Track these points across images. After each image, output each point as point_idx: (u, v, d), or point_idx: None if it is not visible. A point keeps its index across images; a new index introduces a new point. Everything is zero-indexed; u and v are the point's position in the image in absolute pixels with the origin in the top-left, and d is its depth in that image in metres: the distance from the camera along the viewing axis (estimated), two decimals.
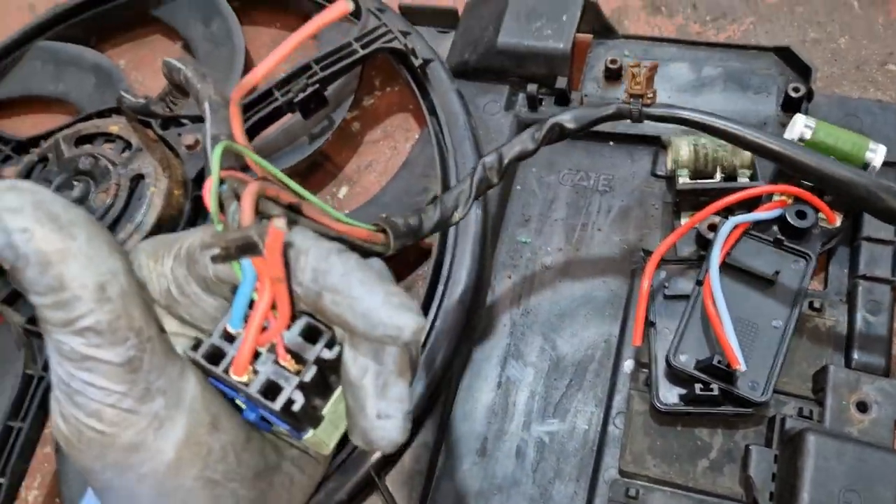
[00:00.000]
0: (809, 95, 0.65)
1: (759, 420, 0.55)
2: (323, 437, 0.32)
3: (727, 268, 0.57)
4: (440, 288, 0.59)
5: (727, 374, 0.52)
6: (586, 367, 0.59)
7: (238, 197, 0.29)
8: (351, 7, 0.34)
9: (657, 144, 0.66)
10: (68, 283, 0.26)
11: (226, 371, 0.29)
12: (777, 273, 0.56)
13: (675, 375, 0.55)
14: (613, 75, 0.71)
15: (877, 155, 0.56)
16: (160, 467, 0.28)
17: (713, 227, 0.59)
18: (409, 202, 0.66)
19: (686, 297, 0.57)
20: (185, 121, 0.69)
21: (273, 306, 0.29)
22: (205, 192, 0.29)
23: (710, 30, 0.76)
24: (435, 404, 0.58)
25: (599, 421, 0.57)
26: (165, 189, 0.65)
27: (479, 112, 0.70)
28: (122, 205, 0.64)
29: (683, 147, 0.61)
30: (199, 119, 0.65)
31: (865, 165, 0.56)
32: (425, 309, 0.59)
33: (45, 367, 0.62)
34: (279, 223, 0.27)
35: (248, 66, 0.80)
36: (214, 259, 0.28)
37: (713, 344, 0.54)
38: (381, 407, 0.30)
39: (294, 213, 0.30)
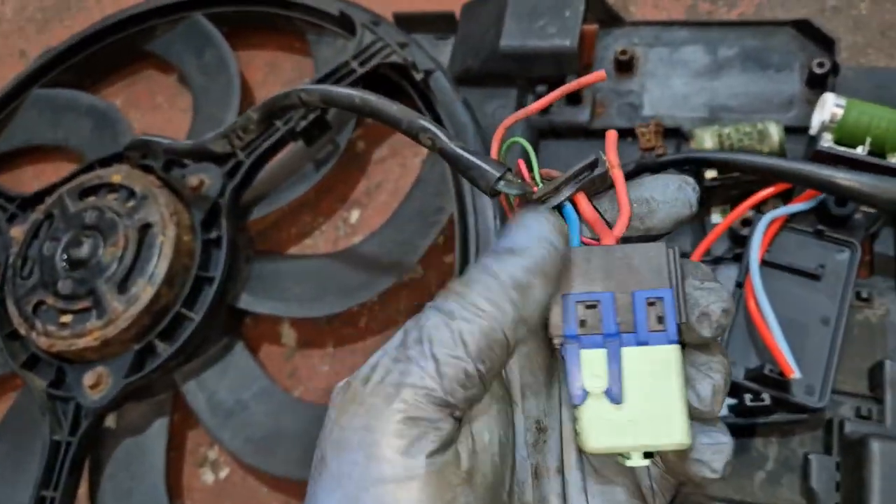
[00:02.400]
0: (835, 69, 0.61)
1: (816, 425, 0.52)
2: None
3: (767, 266, 0.54)
4: None
5: (781, 383, 0.50)
6: None
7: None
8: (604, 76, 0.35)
9: (679, 137, 0.63)
10: None
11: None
12: (821, 266, 0.53)
13: None
14: (625, 66, 0.67)
15: None
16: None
17: (748, 223, 0.55)
18: (425, 223, 0.64)
19: None
20: (187, 161, 0.67)
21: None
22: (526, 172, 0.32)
23: (722, 8, 0.72)
24: None
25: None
26: (174, 236, 0.63)
27: (488, 119, 0.67)
28: (132, 257, 0.62)
29: (707, 139, 0.58)
30: (194, 153, 0.63)
31: None
32: None
33: (72, 432, 0.61)
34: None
35: (244, 93, 0.77)
36: (543, 203, 0.30)
37: (761, 350, 0.51)
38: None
39: None
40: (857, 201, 0.50)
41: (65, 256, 0.64)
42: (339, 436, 0.27)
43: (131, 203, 0.65)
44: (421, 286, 0.67)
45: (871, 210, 0.54)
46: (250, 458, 0.61)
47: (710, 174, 0.58)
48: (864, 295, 0.54)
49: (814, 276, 0.53)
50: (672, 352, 0.28)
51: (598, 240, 0.29)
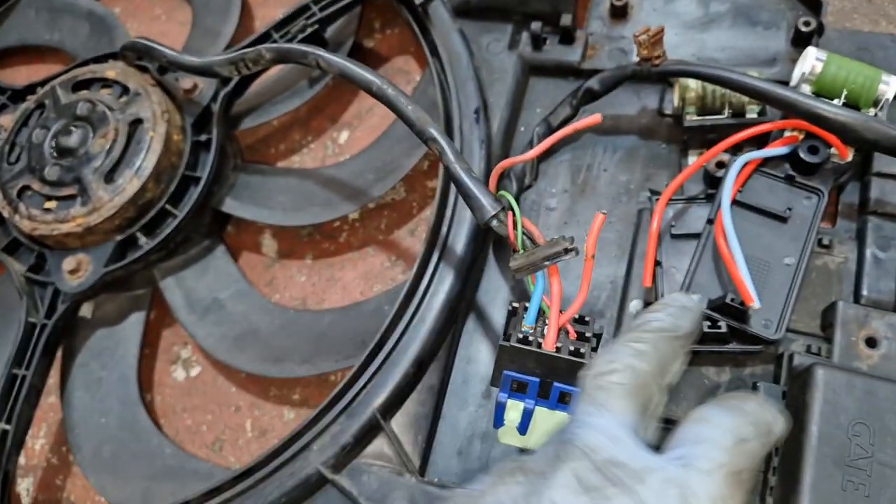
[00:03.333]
0: (820, 30, 0.63)
1: (768, 358, 0.54)
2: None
3: (738, 205, 0.56)
4: (444, 229, 0.58)
5: (740, 313, 0.52)
6: (592, 308, 0.59)
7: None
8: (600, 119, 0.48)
9: (664, 82, 0.65)
10: None
11: (538, 346, 0.40)
12: (789, 210, 0.55)
13: None
14: (619, 13, 0.69)
15: (890, 87, 0.55)
16: None
17: (722, 165, 0.57)
18: (410, 145, 0.65)
19: (694, 236, 0.56)
20: None
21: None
22: (510, 229, 0.44)
23: None
24: (440, 347, 0.58)
25: None
26: (164, 133, 0.64)
27: (481, 52, 0.69)
28: (120, 149, 0.63)
29: (691, 84, 0.60)
30: (199, 71, 0.64)
31: (877, 100, 0.55)
32: (430, 248, 0.58)
33: (48, 315, 0.62)
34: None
35: (244, 9, 0.78)
36: (519, 273, 0.42)
37: (725, 282, 0.53)
38: None
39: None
40: (838, 134, 0.52)
41: (53, 144, 0.64)
42: None
43: (124, 98, 0.66)
44: (402, 207, 0.69)
45: (841, 161, 0.56)
46: (223, 354, 0.62)
47: (691, 116, 0.60)
48: (826, 242, 0.56)
49: (781, 219, 0.55)
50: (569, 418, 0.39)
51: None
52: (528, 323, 0.42)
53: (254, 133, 0.74)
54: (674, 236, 0.57)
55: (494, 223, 0.44)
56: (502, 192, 0.46)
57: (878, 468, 0.46)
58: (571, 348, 0.41)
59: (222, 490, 0.55)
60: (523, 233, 0.43)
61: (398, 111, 0.48)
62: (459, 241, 0.58)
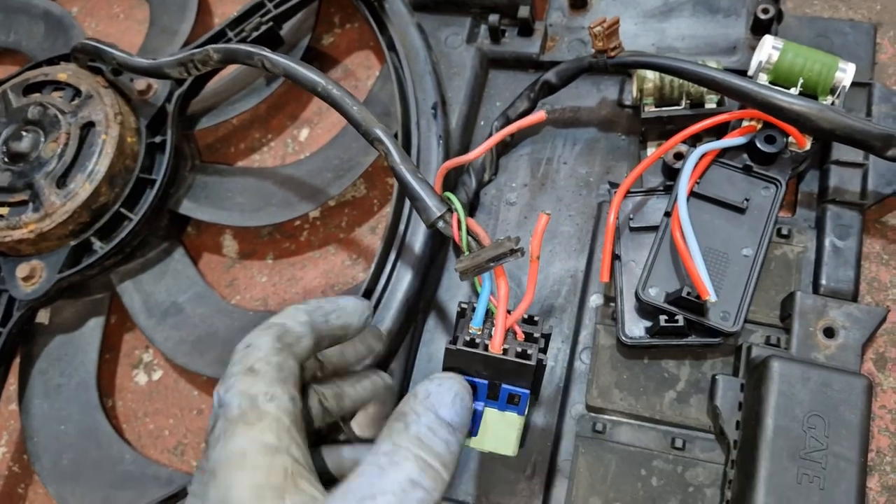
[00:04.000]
0: (779, 17, 0.63)
1: (727, 350, 0.54)
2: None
3: (696, 197, 0.55)
4: (401, 227, 0.58)
5: (698, 306, 0.51)
6: (552, 303, 0.58)
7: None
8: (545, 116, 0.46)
9: (623, 73, 0.64)
10: None
11: (485, 349, 0.40)
12: (747, 200, 0.55)
13: (643, 308, 0.54)
14: (579, 3, 0.68)
15: (846, 74, 0.54)
16: None
17: (680, 156, 0.57)
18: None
19: (653, 228, 0.56)
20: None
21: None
22: (455, 230, 0.44)
23: None
24: (399, 346, 0.57)
25: (566, 357, 0.56)
26: (117, 136, 0.63)
27: (440, 46, 0.68)
28: (72, 153, 0.62)
29: (649, 75, 0.59)
30: (149, 72, 0.63)
31: (834, 87, 0.54)
32: (387, 247, 0.57)
33: (3, 322, 0.61)
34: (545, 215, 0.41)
35: (202, 7, 0.77)
36: (465, 276, 0.41)
37: (683, 276, 0.53)
38: None
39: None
40: (794, 123, 0.52)
41: (4, 149, 0.63)
42: None
43: (76, 101, 0.65)
44: (363, 204, 0.68)
45: (799, 150, 0.56)
46: (182, 358, 0.61)
47: (649, 107, 0.59)
48: (785, 232, 0.56)
49: (739, 210, 0.55)
50: (518, 419, 0.42)
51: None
52: (475, 325, 0.41)
53: (213, 132, 0.73)
54: (633, 229, 0.57)
55: (440, 224, 0.44)
56: (447, 194, 0.45)
57: (833, 460, 0.45)
58: (518, 350, 0.40)
59: (180, 496, 0.55)
60: (468, 234, 0.43)
61: (344, 112, 0.48)
62: (417, 239, 0.57)
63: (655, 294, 0.53)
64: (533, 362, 0.40)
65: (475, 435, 0.42)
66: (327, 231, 0.68)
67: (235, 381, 0.35)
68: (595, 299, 0.57)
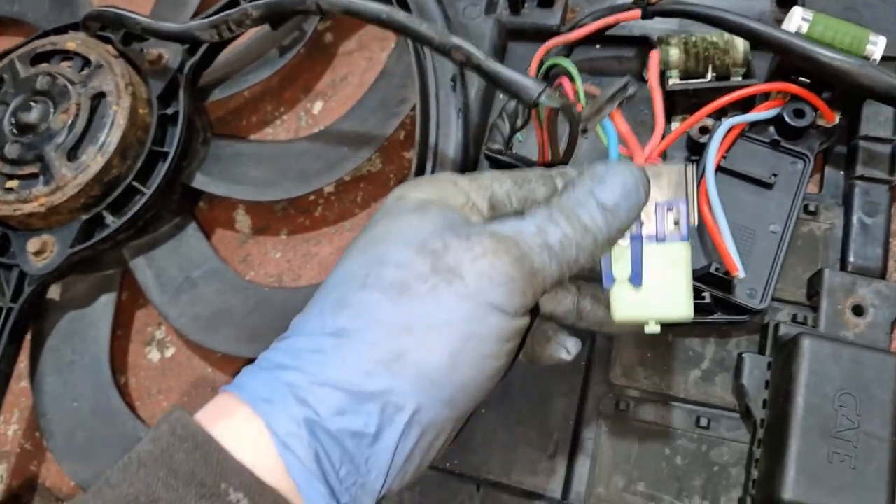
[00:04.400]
0: None
1: (753, 328, 0.53)
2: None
3: (722, 172, 0.54)
4: None
5: (725, 283, 0.50)
6: None
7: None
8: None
9: (646, 46, 0.63)
10: None
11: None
12: (774, 176, 0.54)
13: None
14: None
15: (877, 47, 0.53)
16: None
17: (706, 131, 0.56)
18: (386, 114, 0.63)
19: None
20: (146, 36, 0.65)
21: None
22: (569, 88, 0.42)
23: None
24: None
25: (588, 334, 0.56)
26: (129, 107, 0.61)
27: (458, 17, 0.66)
28: (83, 125, 0.61)
29: (673, 46, 0.58)
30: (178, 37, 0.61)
31: (866, 59, 0.53)
32: None
33: (14, 298, 0.60)
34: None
35: None
36: (589, 123, 0.38)
37: (710, 252, 0.52)
38: None
39: None
40: (833, 79, 0.51)
41: (13, 121, 0.62)
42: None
43: (85, 71, 0.63)
44: (379, 179, 0.67)
45: (827, 124, 0.55)
46: (196, 334, 0.61)
47: (673, 80, 0.58)
48: (812, 208, 0.55)
49: (766, 185, 0.54)
50: (684, 248, 0.36)
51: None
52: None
53: (224, 105, 0.72)
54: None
55: (543, 98, 0.42)
56: (554, 59, 0.43)
57: (865, 439, 0.45)
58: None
59: None
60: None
61: (414, 33, 0.46)
62: None
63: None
64: (682, 163, 0.38)
65: (639, 284, 0.37)
66: (342, 206, 0.66)
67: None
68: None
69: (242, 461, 0.29)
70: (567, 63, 0.42)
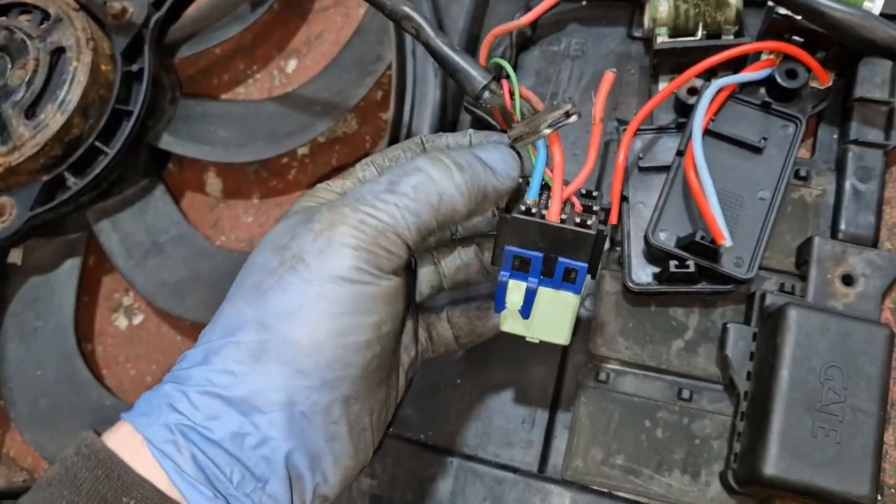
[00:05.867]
0: None
1: (739, 298, 0.51)
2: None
3: (710, 135, 0.52)
4: None
5: (711, 251, 0.48)
6: None
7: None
8: None
9: (634, 2, 0.60)
10: None
11: (542, 218, 0.37)
12: (764, 140, 0.52)
13: (651, 253, 0.51)
14: None
15: (875, 4, 0.50)
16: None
17: (694, 91, 0.53)
18: (361, 72, 0.60)
19: (664, 168, 0.53)
20: None
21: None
22: (507, 96, 0.39)
23: None
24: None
25: None
26: (90, 63, 0.58)
27: None
28: (42, 81, 0.58)
29: (662, 3, 0.55)
30: None
31: None
32: None
33: None
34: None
35: None
36: (519, 143, 0.38)
37: (695, 219, 0.50)
38: None
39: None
40: (833, 31, 0.48)
41: None
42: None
43: (44, 25, 0.60)
44: (355, 141, 0.64)
45: (820, 86, 0.52)
46: (163, 301, 0.58)
47: (662, 38, 0.55)
48: (803, 173, 0.53)
49: (756, 149, 0.52)
50: (574, 299, 0.39)
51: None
52: (530, 196, 0.38)
53: (194, 63, 0.69)
54: (642, 169, 0.54)
55: (486, 95, 0.39)
56: (497, 59, 0.41)
57: (851, 413, 0.43)
58: (577, 220, 0.37)
59: None
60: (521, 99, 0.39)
61: None
62: None
63: (665, 238, 0.50)
64: (593, 231, 0.37)
65: (526, 316, 0.40)
66: (317, 169, 0.64)
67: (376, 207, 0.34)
68: (607, 237, 0.54)
69: (143, 475, 0.29)
70: (505, 64, 0.40)
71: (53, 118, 0.57)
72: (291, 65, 0.68)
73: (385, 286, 0.33)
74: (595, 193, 0.40)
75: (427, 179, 0.34)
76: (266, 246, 0.34)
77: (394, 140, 0.55)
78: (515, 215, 0.37)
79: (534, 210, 0.37)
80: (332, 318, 0.32)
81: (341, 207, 0.33)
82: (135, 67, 0.61)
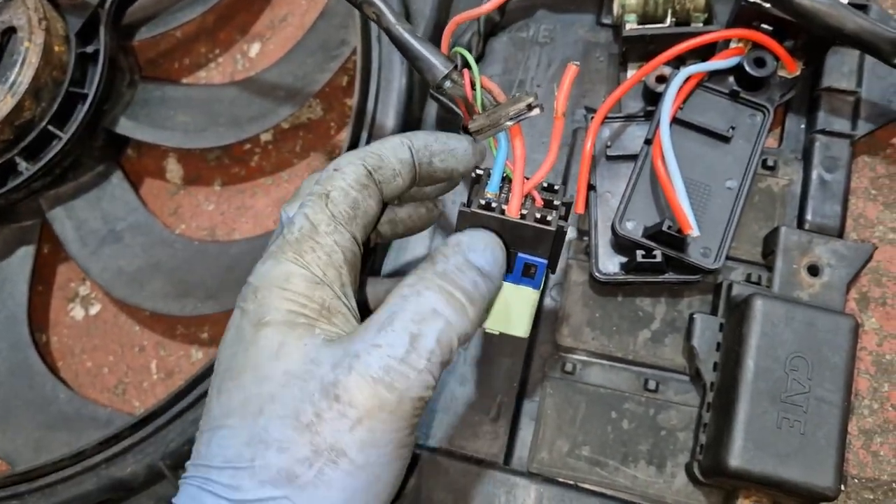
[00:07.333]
0: None
1: (706, 288, 0.51)
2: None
3: (678, 124, 0.52)
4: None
5: (678, 241, 0.48)
6: None
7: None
8: None
9: None
10: None
11: (501, 213, 0.36)
12: (732, 129, 0.51)
13: (619, 243, 0.50)
14: None
15: None
16: None
17: (663, 79, 0.53)
18: (326, 56, 0.59)
19: (632, 157, 0.52)
20: None
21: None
22: (468, 87, 0.38)
23: None
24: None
25: None
26: (42, 44, 0.56)
27: None
28: None
29: None
30: None
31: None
32: None
33: None
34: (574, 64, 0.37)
35: None
36: (479, 136, 0.37)
37: (663, 208, 0.50)
38: None
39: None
40: (801, 19, 0.48)
41: None
42: None
43: None
44: (319, 127, 0.63)
45: (788, 75, 0.52)
46: (121, 290, 0.57)
47: (631, 24, 0.55)
48: (770, 163, 0.53)
49: (724, 138, 0.51)
50: (533, 293, 0.38)
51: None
52: (490, 189, 0.37)
53: (155, 46, 0.67)
54: (610, 158, 0.53)
55: (447, 84, 0.38)
56: (458, 49, 0.40)
57: (815, 404, 0.43)
58: (538, 215, 0.36)
59: (121, 438, 0.51)
60: (482, 90, 0.38)
61: None
62: None
63: (633, 228, 0.50)
64: (553, 228, 0.36)
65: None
66: (280, 155, 0.62)
67: (307, 202, 0.33)
68: (567, 233, 0.53)
69: None
70: (466, 54, 0.39)
71: (3, 101, 0.55)
72: (254, 48, 0.66)
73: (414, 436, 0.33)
74: (557, 187, 0.39)
75: (447, 327, 0.32)
76: (280, 416, 0.30)
77: (358, 126, 0.53)
78: (475, 210, 0.36)
79: (493, 204, 0.36)
80: (377, 496, 0.31)
81: (377, 382, 0.30)
82: (90, 49, 0.59)
